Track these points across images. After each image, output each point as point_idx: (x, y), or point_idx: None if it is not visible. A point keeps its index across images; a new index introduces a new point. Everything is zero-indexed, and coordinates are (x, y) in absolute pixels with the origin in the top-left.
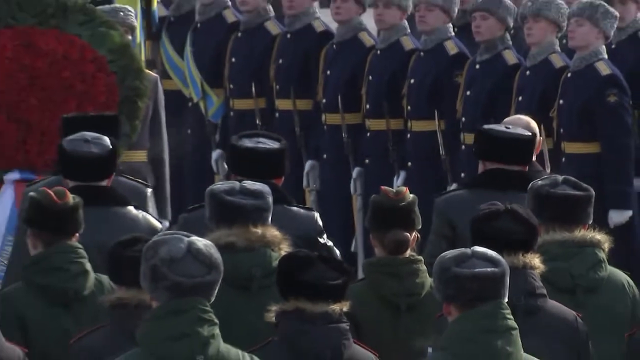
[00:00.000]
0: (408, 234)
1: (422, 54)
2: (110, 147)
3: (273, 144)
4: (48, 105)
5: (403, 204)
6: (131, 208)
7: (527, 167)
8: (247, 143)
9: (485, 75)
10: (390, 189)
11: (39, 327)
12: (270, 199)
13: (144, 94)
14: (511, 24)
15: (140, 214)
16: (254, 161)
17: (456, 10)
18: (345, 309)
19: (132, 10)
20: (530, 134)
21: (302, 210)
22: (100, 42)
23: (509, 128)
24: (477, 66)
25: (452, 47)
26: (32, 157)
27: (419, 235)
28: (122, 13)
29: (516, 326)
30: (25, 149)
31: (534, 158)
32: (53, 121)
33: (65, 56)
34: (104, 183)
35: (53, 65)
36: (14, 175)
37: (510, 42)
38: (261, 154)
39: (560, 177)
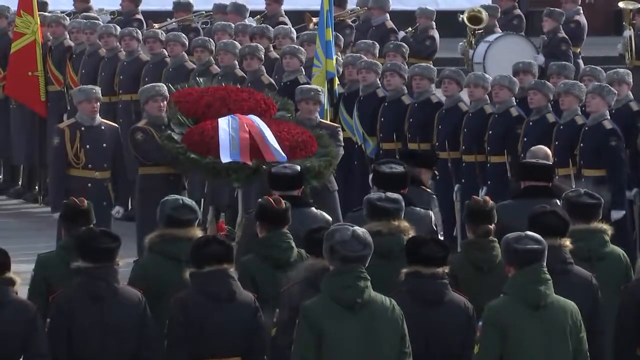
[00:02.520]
0: (490, 226)
1: (496, 115)
2: (299, 170)
3: (399, 168)
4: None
5: (487, 208)
6: (313, 208)
7: (551, 183)
8: (384, 169)
9: (535, 129)
10: (479, 197)
11: (263, 282)
12: (402, 204)
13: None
14: (552, 97)
15: (318, 211)
16: (386, 179)
17: (517, 88)
18: (446, 270)
19: (321, 90)
20: (550, 163)
21: (422, 210)
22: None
23: (537, 161)
24: (530, 123)
25: (514, 112)
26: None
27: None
28: (312, 92)
29: (550, 278)
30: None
31: None
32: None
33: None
34: (296, 193)
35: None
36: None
37: (551, 108)
38: (390, 175)
39: (582, 190)
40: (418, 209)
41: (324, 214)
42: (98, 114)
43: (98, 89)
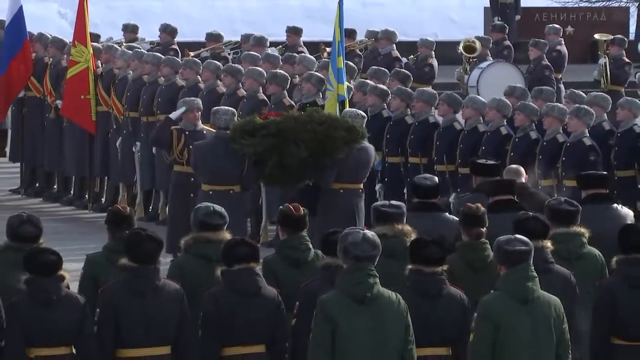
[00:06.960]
0: (482, 229)
1: (488, 133)
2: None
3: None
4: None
5: (479, 213)
6: None
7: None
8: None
9: (520, 145)
10: (471, 204)
11: (284, 279)
12: (405, 210)
13: None
14: (535, 119)
15: None
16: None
17: (508, 109)
18: (445, 268)
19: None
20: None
21: None
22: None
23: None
24: (516, 140)
25: (503, 130)
26: None
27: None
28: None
29: (537, 276)
30: None
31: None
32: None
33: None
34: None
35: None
36: None
37: (534, 127)
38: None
39: (562, 199)
40: None
41: None
42: (200, 121)
43: (199, 100)
